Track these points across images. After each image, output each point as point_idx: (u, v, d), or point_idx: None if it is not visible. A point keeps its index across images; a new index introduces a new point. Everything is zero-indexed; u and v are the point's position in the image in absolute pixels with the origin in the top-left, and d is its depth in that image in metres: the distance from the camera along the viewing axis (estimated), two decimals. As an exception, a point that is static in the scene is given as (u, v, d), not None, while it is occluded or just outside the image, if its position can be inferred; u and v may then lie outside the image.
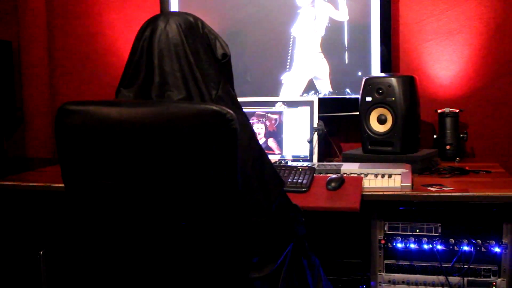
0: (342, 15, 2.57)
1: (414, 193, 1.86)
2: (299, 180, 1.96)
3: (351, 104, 2.51)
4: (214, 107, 1.19)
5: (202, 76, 1.30)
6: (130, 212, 1.30)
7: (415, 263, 1.92)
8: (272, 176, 1.37)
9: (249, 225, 1.29)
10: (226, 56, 1.36)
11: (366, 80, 2.32)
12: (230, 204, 1.24)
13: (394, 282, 1.94)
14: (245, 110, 2.40)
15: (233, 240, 1.27)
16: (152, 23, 1.34)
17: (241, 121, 1.29)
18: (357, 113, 2.36)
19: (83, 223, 1.39)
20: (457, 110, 2.48)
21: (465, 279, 1.86)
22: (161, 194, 1.24)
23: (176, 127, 1.19)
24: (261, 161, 1.34)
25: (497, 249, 1.84)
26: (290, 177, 1.98)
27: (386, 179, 1.94)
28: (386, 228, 1.93)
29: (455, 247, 1.87)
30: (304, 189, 1.93)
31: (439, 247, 1.88)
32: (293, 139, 2.40)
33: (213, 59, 1.35)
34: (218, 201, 1.23)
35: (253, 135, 1.35)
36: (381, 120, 2.28)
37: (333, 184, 1.93)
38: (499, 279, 1.85)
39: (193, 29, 1.34)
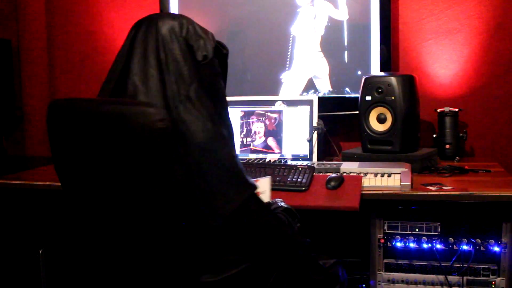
0: (342, 14, 2.57)
1: (414, 192, 1.86)
2: (299, 179, 1.96)
3: (351, 103, 2.51)
4: (144, 107, 1.22)
5: (174, 76, 1.29)
6: (97, 211, 1.35)
7: (414, 262, 1.92)
8: (236, 180, 1.30)
9: (201, 228, 1.28)
10: (206, 58, 1.34)
11: (365, 79, 2.32)
12: (172, 207, 1.25)
13: (393, 281, 1.94)
14: (244, 109, 2.44)
15: (182, 242, 1.29)
16: (137, 24, 1.37)
17: (201, 122, 1.27)
18: (357, 112, 2.36)
19: (75, 220, 1.44)
20: (457, 109, 2.47)
21: (465, 278, 1.86)
22: (114, 196, 1.29)
23: (113, 127, 1.24)
24: (222, 164, 1.29)
25: (496, 248, 1.84)
26: (290, 176, 1.98)
27: (386, 178, 1.94)
28: (385, 227, 1.93)
29: (455, 246, 1.87)
30: (303, 188, 1.93)
31: (438, 246, 1.88)
32: (292, 138, 2.40)
33: (190, 60, 1.32)
34: (160, 202, 1.25)
35: (216, 137, 1.29)
36: (381, 119, 2.28)
37: (332, 183, 1.93)
38: (499, 278, 1.85)
39: (173, 30, 1.33)
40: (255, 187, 1.33)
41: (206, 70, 1.33)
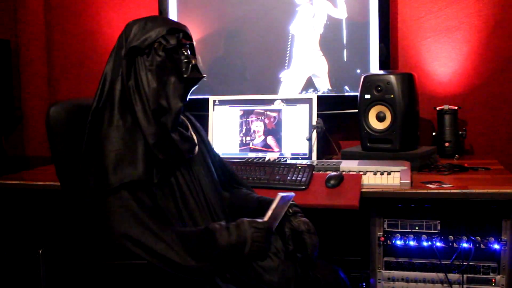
0: (341, 12, 2.57)
1: (413, 190, 1.86)
2: (298, 178, 1.96)
3: (350, 101, 2.51)
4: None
5: (110, 74, 1.51)
6: None
7: (414, 260, 1.92)
8: (97, 175, 1.40)
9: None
10: (123, 55, 1.52)
11: (364, 78, 2.31)
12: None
13: (393, 279, 1.94)
14: (244, 108, 2.44)
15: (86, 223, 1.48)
16: None
17: (102, 115, 1.45)
18: (356, 110, 2.36)
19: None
20: (456, 107, 2.47)
21: (465, 276, 1.87)
22: None
23: None
24: (94, 156, 1.42)
25: (496, 246, 1.84)
26: (289, 175, 1.98)
27: (385, 177, 1.94)
28: (385, 226, 1.93)
29: (454, 244, 1.87)
30: (303, 187, 1.93)
31: (438, 244, 1.88)
32: (292, 136, 2.40)
33: (117, 59, 1.53)
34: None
35: (103, 130, 1.44)
36: (380, 118, 2.28)
37: (332, 182, 1.93)
38: (499, 276, 1.85)
39: (122, 34, 1.60)
40: (109, 186, 1.37)
41: (124, 66, 1.50)
